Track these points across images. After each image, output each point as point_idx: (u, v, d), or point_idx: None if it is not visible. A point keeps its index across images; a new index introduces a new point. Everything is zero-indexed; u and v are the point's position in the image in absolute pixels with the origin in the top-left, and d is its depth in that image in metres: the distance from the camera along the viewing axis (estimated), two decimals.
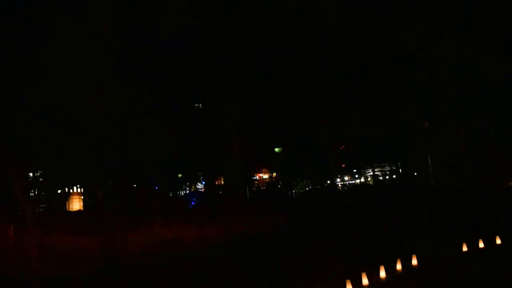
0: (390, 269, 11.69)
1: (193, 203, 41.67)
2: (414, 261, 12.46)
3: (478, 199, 25.49)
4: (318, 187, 64.20)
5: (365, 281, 10.57)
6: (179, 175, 50.98)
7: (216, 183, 44.27)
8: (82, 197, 48.43)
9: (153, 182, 42.32)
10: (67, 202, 47.92)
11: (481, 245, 14.47)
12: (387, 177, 78.29)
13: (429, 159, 40.35)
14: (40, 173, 40.88)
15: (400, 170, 69.41)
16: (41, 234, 19.68)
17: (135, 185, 38.46)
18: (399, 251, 13.19)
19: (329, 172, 67.83)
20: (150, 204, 31.31)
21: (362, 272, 10.73)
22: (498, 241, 14.73)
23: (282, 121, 38.01)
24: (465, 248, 14.01)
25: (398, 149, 49.03)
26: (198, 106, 36.41)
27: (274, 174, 62.60)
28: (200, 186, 62.58)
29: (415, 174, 53.19)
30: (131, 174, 32.76)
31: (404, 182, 54.16)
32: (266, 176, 70.49)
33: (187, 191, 59.38)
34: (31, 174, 38.72)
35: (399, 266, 12.03)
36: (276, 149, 48.36)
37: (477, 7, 30.13)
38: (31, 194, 39.98)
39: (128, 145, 26.69)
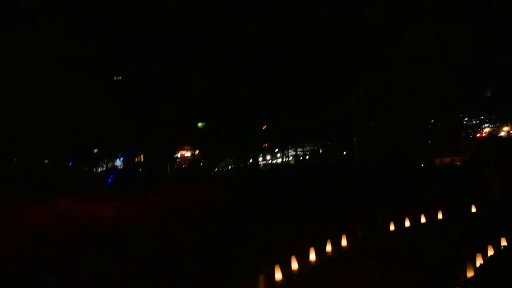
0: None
1: (110, 181, 38.98)
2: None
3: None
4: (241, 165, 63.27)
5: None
6: (95, 150, 47.52)
7: (136, 160, 41.89)
8: None
9: (67, 157, 39.03)
10: None
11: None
12: (307, 157, 79.23)
13: (355, 139, 40.62)
14: None
15: (321, 150, 70.36)
16: None
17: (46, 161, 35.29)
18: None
19: (253, 151, 67.06)
20: (63, 180, 28.92)
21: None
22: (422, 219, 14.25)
23: (208, 97, 36.42)
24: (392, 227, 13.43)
25: (324, 129, 49.09)
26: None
27: (197, 151, 60.53)
28: (118, 163, 59.23)
29: (343, 153, 53.63)
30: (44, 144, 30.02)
31: (326, 160, 54.74)
32: (188, 154, 68.22)
33: (105, 168, 55.93)
34: None
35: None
36: (199, 124, 45.65)
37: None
38: None
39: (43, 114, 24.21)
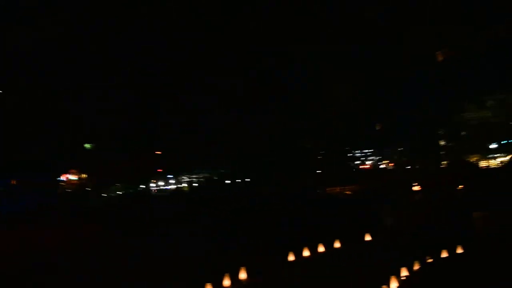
0: None
1: None
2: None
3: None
4: (131, 191, 60.08)
5: None
6: None
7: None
8: None
9: None
10: None
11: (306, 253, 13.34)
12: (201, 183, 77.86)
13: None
14: None
15: (216, 178, 69.45)
16: None
17: None
18: None
19: (145, 176, 64.22)
20: None
21: None
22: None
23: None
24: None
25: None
26: None
27: (84, 175, 56.16)
28: None
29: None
30: None
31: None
32: (75, 177, 63.19)
33: None
34: None
35: None
36: (87, 145, 42.02)
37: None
38: None
39: None
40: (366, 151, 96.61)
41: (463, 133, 69.03)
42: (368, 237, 16.42)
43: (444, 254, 12.22)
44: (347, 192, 34.45)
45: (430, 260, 11.63)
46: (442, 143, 64.84)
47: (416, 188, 32.78)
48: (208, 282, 9.89)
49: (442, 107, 70.65)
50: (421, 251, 12.35)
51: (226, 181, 60.38)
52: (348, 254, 14.45)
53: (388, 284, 9.28)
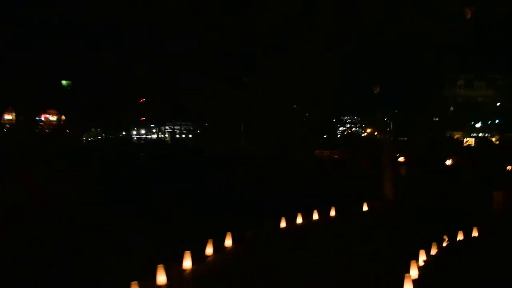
0: None
1: None
2: None
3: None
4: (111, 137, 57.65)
5: None
6: None
7: None
8: None
9: None
10: None
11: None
12: (183, 135, 75.66)
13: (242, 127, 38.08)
14: None
15: (198, 130, 67.25)
16: None
17: None
18: None
19: (127, 123, 61.65)
20: None
21: None
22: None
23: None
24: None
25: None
26: None
27: (63, 116, 53.15)
28: None
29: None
30: None
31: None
32: (54, 118, 59.99)
33: None
34: None
35: None
36: (64, 82, 37.91)
37: None
38: None
39: None
40: (350, 118, 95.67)
41: (451, 108, 67.83)
42: (365, 207, 14.57)
43: (460, 236, 10.44)
44: (335, 156, 32.79)
45: (446, 243, 9.83)
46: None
47: (401, 159, 31.34)
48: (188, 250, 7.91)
49: (431, 82, 69.02)
50: (435, 230, 10.57)
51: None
52: (344, 224, 12.57)
53: (408, 270, 7.44)
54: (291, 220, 11.95)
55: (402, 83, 66.45)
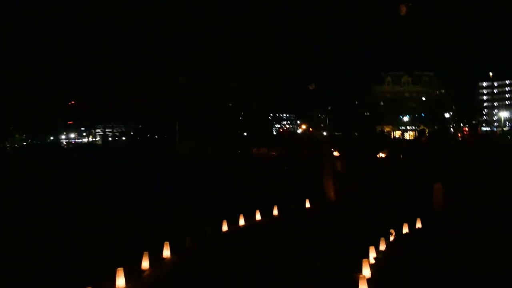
0: None
1: None
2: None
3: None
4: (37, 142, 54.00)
5: None
6: None
7: None
8: None
9: None
10: None
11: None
12: (116, 138, 72.55)
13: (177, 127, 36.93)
14: None
15: (132, 133, 65.11)
16: None
17: None
18: None
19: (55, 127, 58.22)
20: None
21: None
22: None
23: None
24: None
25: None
26: None
27: None
28: None
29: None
30: None
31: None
32: None
33: None
34: None
35: None
36: None
37: None
38: None
39: None
40: (287, 115, 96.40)
41: (381, 103, 70.04)
42: (307, 205, 14.12)
43: (405, 229, 10.19)
44: (272, 153, 32.40)
45: (392, 238, 9.52)
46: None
47: (335, 154, 31.57)
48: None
49: (362, 78, 71.09)
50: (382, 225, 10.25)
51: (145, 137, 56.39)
52: (288, 223, 12.02)
53: (360, 270, 6.96)
54: (233, 223, 11.22)
55: (335, 80, 67.75)
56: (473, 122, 64.86)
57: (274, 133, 71.59)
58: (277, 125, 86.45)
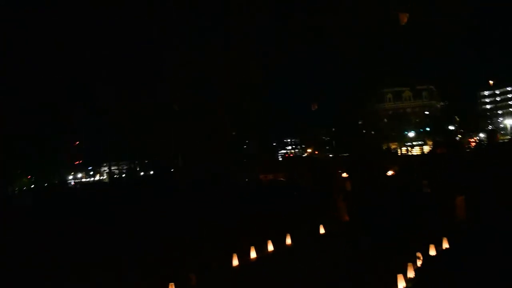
0: None
1: None
2: None
3: None
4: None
5: None
6: None
7: None
8: None
9: None
10: None
11: None
12: (123, 175, 72.04)
13: (180, 158, 36.36)
14: None
15: (138, 168, 64.61)
16: None
17: None
18: None
19: (62, 168, 57.84)
20: None
21: None
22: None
23: None
24: None
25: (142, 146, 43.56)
26: None
27: None
28: None
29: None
30: None
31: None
32: None
33: None
34: None
35: None
36: None
37: None
38: None
39: None
40: (292, 140, 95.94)
41: (385, 120, 69.43)
42: (322, 230, 13.19)
43: (432, 251, 9.29)
44: (279, 179, 31.56)
45: (420, 262, 8.62)
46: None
47: (344, 175, 30.60)
48: None
49: (360, 97, 70.58)
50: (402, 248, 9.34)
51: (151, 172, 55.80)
52: (304, 252, 11.10)
53: None
54: (243, 255, 10.32)
55: (336, 99, 67.52)
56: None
57: (280, 158, 70.94)
58: (283, 151, 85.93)
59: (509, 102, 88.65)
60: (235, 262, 9.97)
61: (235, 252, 10.03)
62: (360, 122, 65.32)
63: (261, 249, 11.06)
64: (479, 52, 79.67)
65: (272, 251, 11.30)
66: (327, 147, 70.34)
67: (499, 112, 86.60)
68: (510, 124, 75.43)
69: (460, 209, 10.73)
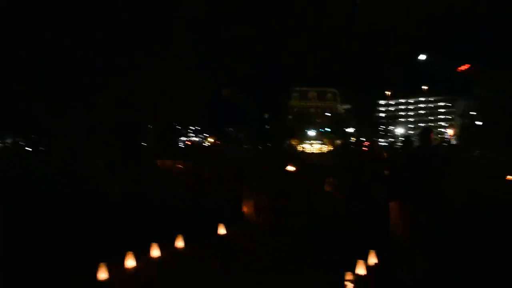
0: None
1: None
2: None
3: None
4: None
5: None
6: None
7: None
8: None
9: None
10: None
11: None
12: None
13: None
14: None
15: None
16: None
17: None
18: None
19: None
20: None
21: None
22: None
23: None
24: None
25: None
26: None
27: None
28: None
29: None
30: None
31: None
32: None
33: None
34: None
35: None
36: None
37: None
38: None
39: None
40: (193, 127, 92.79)
41: (289, 117, 69.53)
42: (222, 231, 10.72)
43: (361, 269, 7.34)
44: (178, 166, 28.75)
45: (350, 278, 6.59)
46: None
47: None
48: None
49: (269, 94, 69.86)
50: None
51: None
52: (195, 258, 8.60)
53: None
54: (116, 265, 7.53)
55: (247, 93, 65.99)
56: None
57: (182, 145, 67.80)
58: (184, 138, 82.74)
59: (400, 113, 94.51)
60: (103, 275, 7.16)
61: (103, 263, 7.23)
62: (266, 116, 64.63)
63: (144, 254, 8.39)
64: (381, 67, 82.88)
65: (158, 257, 8.65)
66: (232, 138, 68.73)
67: (390, 121, 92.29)
68: (400, 133, 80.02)
69: (394, 217, 8.95)
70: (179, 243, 9.20)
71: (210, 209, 13.01)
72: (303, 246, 9.13)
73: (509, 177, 16.29)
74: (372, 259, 7.94)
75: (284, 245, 9.14)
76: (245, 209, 12.27)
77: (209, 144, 77.19)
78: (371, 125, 69.96)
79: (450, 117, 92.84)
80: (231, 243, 9.93)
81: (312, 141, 70.23)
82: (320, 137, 70.12)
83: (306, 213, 11.80)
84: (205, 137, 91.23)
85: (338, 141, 61.28)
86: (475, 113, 46.35)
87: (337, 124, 67.19)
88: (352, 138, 67.34)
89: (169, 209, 13.58)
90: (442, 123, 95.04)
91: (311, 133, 70.48)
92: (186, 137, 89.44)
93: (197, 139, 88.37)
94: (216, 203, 14.04)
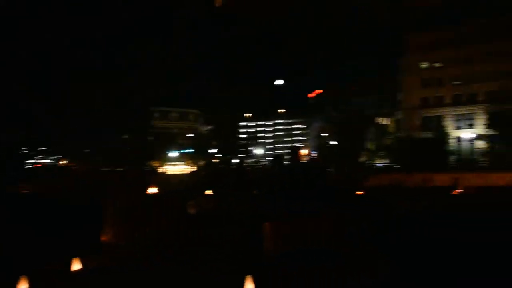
0: None
1: None
2: None
3: None
4: None
5: None
6: None
7: None
8: None
9: None
10: None
11: None
12: None
13: None
14: None
15: None
16: None
17: None
18: None
19: None
20: None
21: None
22: None
23: None
24: None
25: None
26: None
27: None
28: None
29: None
30: None
31: None
32: None
33: None
34: None
35: None
36: None
37: None
38: None
39: None
40: (40, 148, 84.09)
41: (150, 138, 67.20)
42: (77, 265, 9.16)
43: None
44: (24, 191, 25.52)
45: None
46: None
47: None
48: None
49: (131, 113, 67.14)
50: None
51: None
52: None
53: None
54: None
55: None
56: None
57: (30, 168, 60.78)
58: (31, 160, 74.66)
59: (259, 134, 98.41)
60: None
61: None
62: (126, 136, 61.54)
63: None
64: (240, 89, 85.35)
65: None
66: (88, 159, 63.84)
67: (250, 142, 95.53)
68: (260, 153, 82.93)
69: (269, 238, 8.50)
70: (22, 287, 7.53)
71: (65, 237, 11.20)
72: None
73: (358, 192, 17.56)
74: (249, 286, 7.33)
75: (145, 276, 8.04)
76: (105, 237, 10.83)
77: (74, 167, 70.45)
78: (233, 145, 71.15)
79: (305, 138, 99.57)
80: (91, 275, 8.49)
81: (174, 162, 68.74)
82: (182, 158, 69.05)
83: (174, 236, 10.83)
84: (58, 159, 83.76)
85: (201, 162, 60.88)
86: (327, 135, 50.15)
87: (200, 145, 66.95)
88: (214, 159, 67.76)
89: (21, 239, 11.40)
90: (298, 144, 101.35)
91: (173, 154, 69.12)
92: (34, 160, 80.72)
93: (48, 161, 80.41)
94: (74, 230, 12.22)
